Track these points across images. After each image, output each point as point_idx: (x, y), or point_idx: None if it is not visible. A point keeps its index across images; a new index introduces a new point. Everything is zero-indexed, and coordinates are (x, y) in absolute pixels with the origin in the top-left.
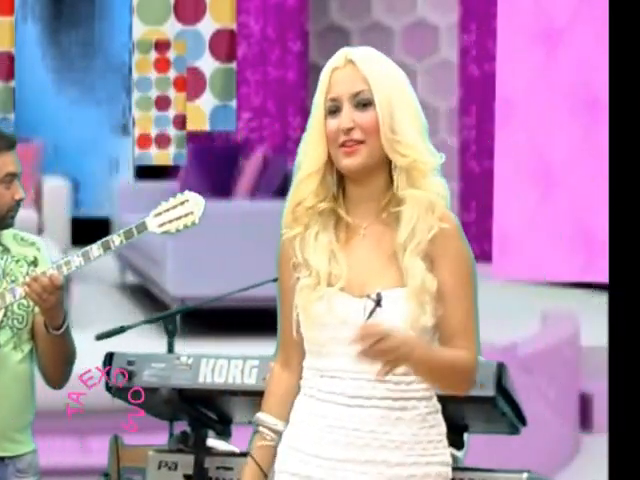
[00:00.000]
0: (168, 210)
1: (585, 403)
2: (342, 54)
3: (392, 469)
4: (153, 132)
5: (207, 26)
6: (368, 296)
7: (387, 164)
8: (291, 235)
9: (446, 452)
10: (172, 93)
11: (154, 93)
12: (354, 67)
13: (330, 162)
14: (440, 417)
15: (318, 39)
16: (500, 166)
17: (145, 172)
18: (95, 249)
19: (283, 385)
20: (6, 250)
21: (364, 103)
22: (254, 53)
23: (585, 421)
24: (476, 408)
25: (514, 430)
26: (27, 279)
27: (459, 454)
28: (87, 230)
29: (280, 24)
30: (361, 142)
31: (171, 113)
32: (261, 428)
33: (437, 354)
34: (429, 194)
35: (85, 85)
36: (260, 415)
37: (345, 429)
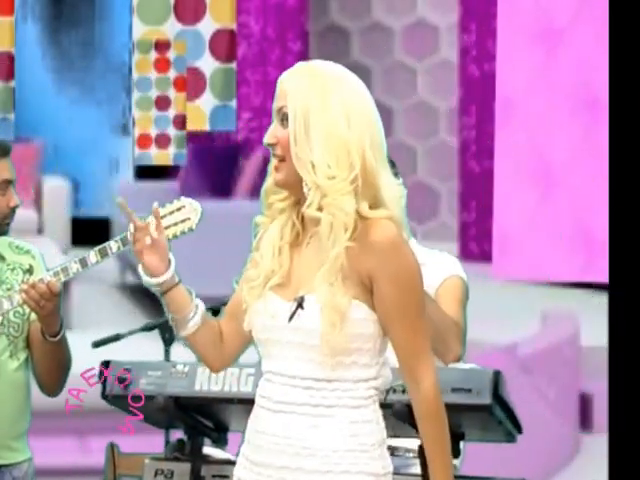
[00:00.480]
0: (164, 216)
1: (585, 403)
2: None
3: (308, 476)
4: (153, 132)
5: (207, 26)
6: (295, 299)
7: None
8: (259, 221)
9: (372, 463)
10: (172, 93)
11: (154, 93)
12: (280, 83)
13: None
14: (371, 427)
15: (318, 39)
16: (500, 166)
17: (145, 172)
18: (92, 256)
19: (216, 328)
20: (1, 258)
21: (286, 119)
22: (254, 53)
23: (585, 421)
24: (472, 416)
25: (510, 438)
26: (24, 286)
27: (456, 462)
28: (87, 230)
29: (280, 24)
30: (282, 158)
31: (171, 113)
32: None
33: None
34: (334, 215)
35: (85, 85)
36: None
37: (267, 434)
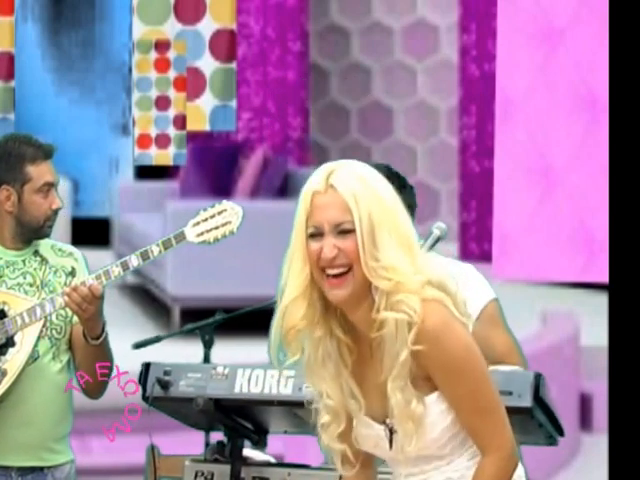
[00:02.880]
0: (206, 220)
1: (585, 403)
2: (323, 176)
3: None
4: (153, 132)
5: (207, 26)
6: (384, 422)
7: (370, 285)
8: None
9: None
10: (172, 93)
11: (154, 93)
12: (335, 193)
13: (313, 281)
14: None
15: (318, 39)
16: (500, 166)
17: (145, 172)
18: (134, 259)
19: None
20: (44, 261)
21: (346, 231)
22: (254, 53)
23: (585, 421)
24: (513, 419)
25: (552, 441)
26: (66, 289)
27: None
28: (87, 230)
29: (280, 24)
30: (348, 268)
31: (171, 113)
32: None
33: None
34: (405, 314)
35: (85, 85)
36: None
37: None
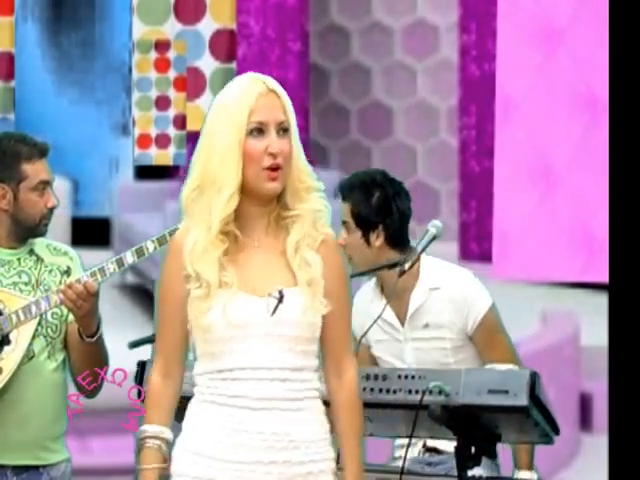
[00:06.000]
0: None
1: (585, 403)
2: (260, 82)
3: (292, 468)
4: (153, 132)
5: (207, 26)
6: (269, 294)
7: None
8: (188, 244)
9: (331, 449)
10: (172, 93)
11: (154, 93)
12: (276, 97)
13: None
14: (325, 416)
15: (318, 39)
16: (500, 166)
17: (145, 172)
18: (129, 255)
19: (166, 395)
20: (40, 260)
21: (286, 129)
22: (254, 53)
23: (585, 421)
24: (509, 418)
25: (547, 439)
26: (61, 286)
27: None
28: (87, 230)
29: (280, 24)
30: (280, 168)
31: (171, 113)
32: (156, 441)
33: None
34: (314, 208)
35: (85, 85)
36: (151, 427)
37: (249, 432)
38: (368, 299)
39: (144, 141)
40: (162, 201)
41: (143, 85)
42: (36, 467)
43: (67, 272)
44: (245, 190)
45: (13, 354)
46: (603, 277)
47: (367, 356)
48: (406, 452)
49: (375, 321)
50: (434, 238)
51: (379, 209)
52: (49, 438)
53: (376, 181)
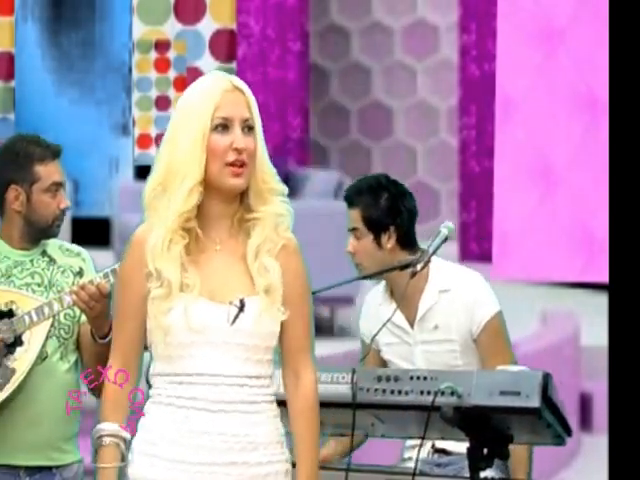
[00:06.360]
0: None
1: (585, 403)
2: (226, 79)
3: (250, 469)
4: (153, 132)
5: (207, 26)
6: (230, 302)
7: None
8: (151, 241)
9: (286, 451)
10: (172, 93)
11: (154, 93)
12: (241, 94)
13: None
14: (279, 420)
15: (318, 39)
16: (500, 166)
17: (145, 172)
18: None
19: (124, 392)
20: (52, 261)
21: (251, 127)
22: (254, 53)
23: (585, 421)
24: (521, 419)
25: (559, 441)
26: (74, 288)
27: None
28: (87, 230)
29: (280, 24)
30: (245, 165)
31: (171, 113)
32: (114, 439)
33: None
34: (276, 212)
35: (85, 85)
36: (108, 426)
37: (209, 434)
38: (377, 303)
39: (144, 141)
40: None
41: (143, 85)
42: (49, 468)
43: (79, 273)
44: (208, 186)
45: (26, 355)
46: (603, 277)
47: (377, 360)
48: (418, 453)
49: (384, 324)
50: (446, 239)
51: (389, 210)
52: (61, 439)
53: (382, 184)
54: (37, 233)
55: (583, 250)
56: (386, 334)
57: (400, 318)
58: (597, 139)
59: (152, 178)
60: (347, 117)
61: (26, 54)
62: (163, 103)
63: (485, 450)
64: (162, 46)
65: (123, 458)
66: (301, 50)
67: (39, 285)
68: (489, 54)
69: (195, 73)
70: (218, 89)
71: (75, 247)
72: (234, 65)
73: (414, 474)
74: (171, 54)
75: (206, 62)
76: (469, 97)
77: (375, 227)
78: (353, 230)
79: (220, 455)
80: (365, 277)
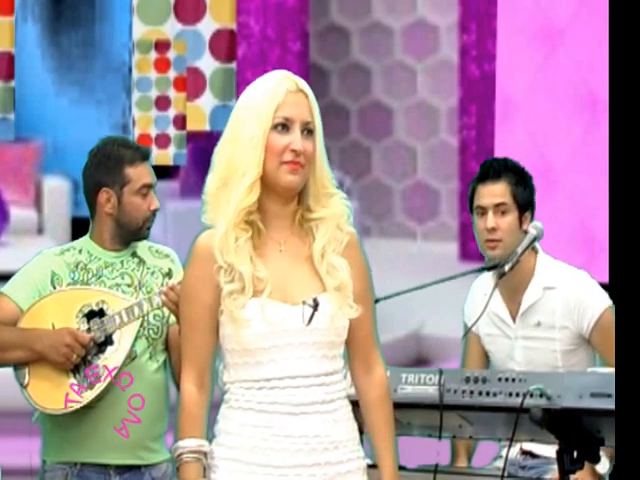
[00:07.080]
0: None
1: None
2: (291, 80)
3: (333, 468)
4: (153, 132)
5: (207, 26)
6: (304, 302)
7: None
8: (219, 239)
9: (361, 447)
10: (172, 93)
11: (154, 93)
12: (305, 97)
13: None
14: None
15: (318, 39)
16: None
17: None
18: None
19: (202, 406)
20: (142, 262)
21: (311, 131)
22: (254, 53)
23: None
24: (612, 422)
25: None
26: (163, 288)
27: (602, 471)
28: (87, 230)
29: (280, 24)
30: (302, 165)
31: (171, 113)
32: (194, 455)
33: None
34: (338, 212)
35: (85, 85)
36: (187, 442)
37: (292, 437)
38: (483, 292)
39: (144, 141)
40: (162, 201)
41: (143, 85)
42: (138, 467)
43: (168, 274)
44: (265, 184)
45: (116, 354)
46: (603, 277)
47: (478, 347)
48: (507, 455)
49: (483, 312)
50: (535, 239)
51: (532, 191)
52: (150, 438)
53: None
54: (128, 235)
55: (583, 250)
56: (488, 324)
57: (503, 310)
58: (597, 139)
59: (212, 175)
60: (347, 117)
61: (26, 54)
62: (163, 103)
63: (575, 453)
64: (162, 46)
65: (205, 472)
66: (301, 50)
67: (129, 286)
68: (489, 54)
69: (195, 73)
70: (283, 88)
71: (165, 248)
72: (234, 65)
73: (502, 476)
74: (171, 54)
75: (206, 62)
76: (469, 97)
77: (522, 204)
78: (499, 205)
79: (304, 457)
80: (483, 269)
